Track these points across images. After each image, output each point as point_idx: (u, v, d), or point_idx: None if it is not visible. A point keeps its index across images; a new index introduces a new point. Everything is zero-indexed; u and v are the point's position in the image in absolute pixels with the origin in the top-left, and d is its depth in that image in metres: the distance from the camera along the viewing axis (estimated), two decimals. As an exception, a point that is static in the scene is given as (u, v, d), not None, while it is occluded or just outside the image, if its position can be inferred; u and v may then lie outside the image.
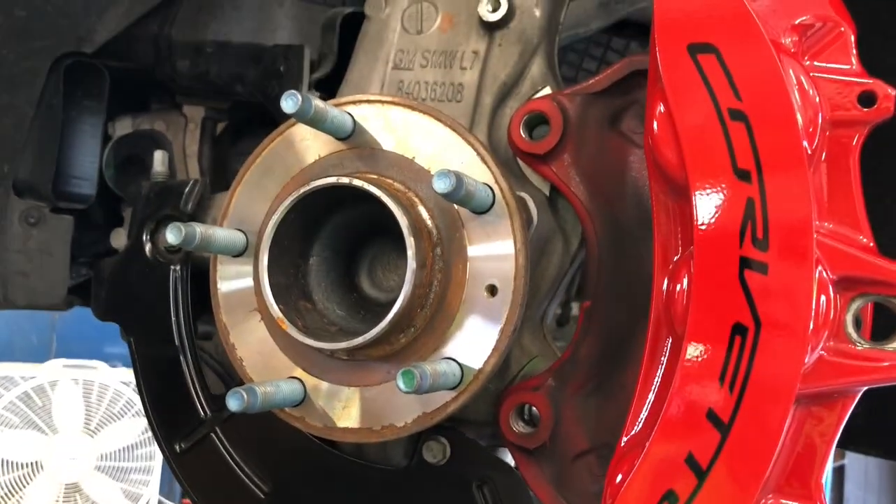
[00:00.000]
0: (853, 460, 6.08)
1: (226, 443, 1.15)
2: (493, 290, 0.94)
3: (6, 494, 4.58)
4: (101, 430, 4.70)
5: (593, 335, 1.02)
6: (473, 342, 0.95)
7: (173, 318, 1.18)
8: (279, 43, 1.42)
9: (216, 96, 1.58)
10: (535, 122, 1.05)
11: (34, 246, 1.45)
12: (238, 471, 1.14)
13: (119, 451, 4.73)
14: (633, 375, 0.92)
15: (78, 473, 4.68)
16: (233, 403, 0.90)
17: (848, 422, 1.71)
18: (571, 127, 1.02)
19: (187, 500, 5.30)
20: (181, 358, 1.17)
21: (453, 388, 0.94)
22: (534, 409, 1.04)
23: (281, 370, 1.01)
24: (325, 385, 1.00)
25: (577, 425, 1.02)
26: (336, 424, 0.99)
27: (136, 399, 4.71)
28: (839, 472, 6.05)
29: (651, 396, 0.81)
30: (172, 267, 1.19)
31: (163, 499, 4.97)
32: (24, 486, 4.62)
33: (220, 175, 1.61)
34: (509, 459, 1.09)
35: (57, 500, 4.67)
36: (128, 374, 4.71)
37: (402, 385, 0.84)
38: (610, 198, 1.02)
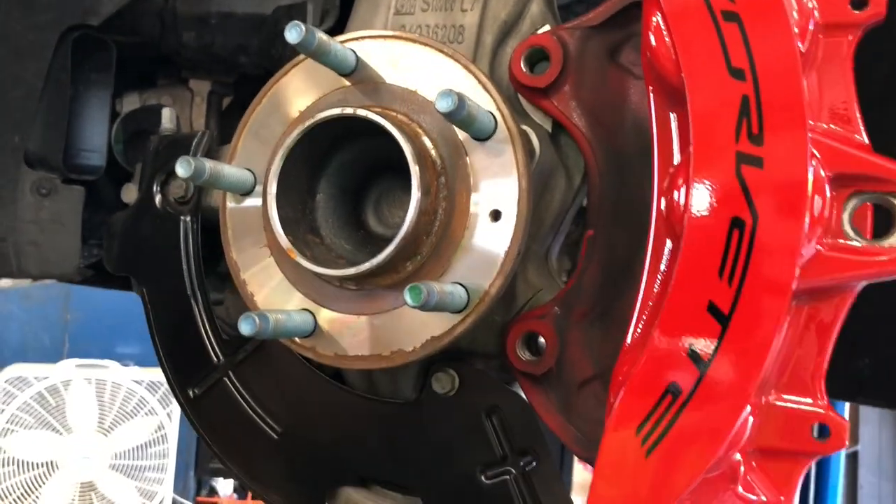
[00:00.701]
0: (867, 446, 6.05)
1: (238, 386, 1.17)
2: (496, 215, 0.96)
3: (23, 494, 4.61)
4: (115, 429, 4.73)
5: (596, 263, 1.04)
6: (479, 266, 0.96)
7: (185, 268, 1.20)
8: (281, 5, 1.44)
9: (221, 69, 1.60)
10: (536, 57, 1.07)
11: (46, 216, 1.46)
12: (251, 413, 1.16)
13: (133, 449, 4.76)
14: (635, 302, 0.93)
15: (93, 472, 4.71)
16: (245, 327, 0.92)
17: (855, 372, 1.72)
18: (571, 60, 1.04)
19: (201, 498, 5.33)
20: (193, 305, 1.20)
21: (460, 312, 0.96)
22: (540, 338, 1.05)
23: (292, 303, 1.03)
24: (335, 315, 1.02)
25: (583, 352, 1.04)
26: (347, 352, 1.01)
27: (149, 397, 4.74)
28: (853, 458, 6.02)
29: (652, 301, 0.82)
30: (183, 217, 1.21)
31: (177, 496, 4.99)
32: (41, 486, 4.65)
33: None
34: (518, 391, 1.10)
35: (73, 500, 4.70)
36: (140, 373, 4.74)
37: (409, 300, 0.86)
38: (610, 129, 1.04)
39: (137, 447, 4.84)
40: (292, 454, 1.14)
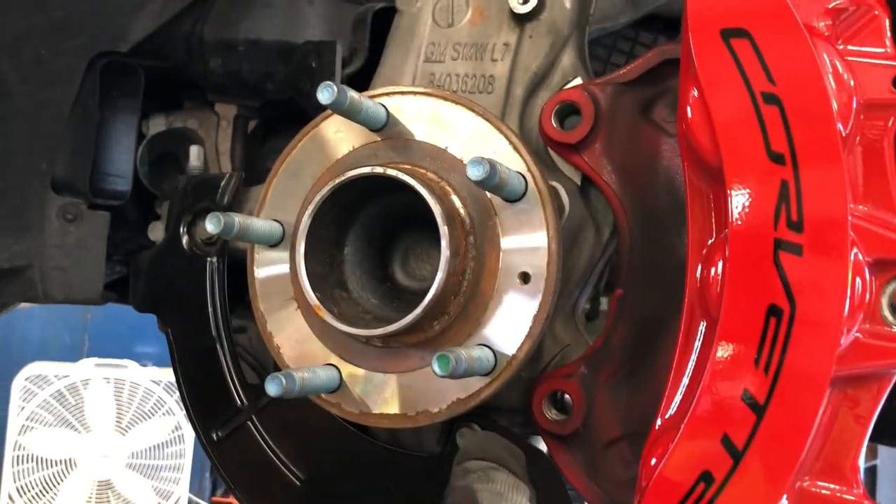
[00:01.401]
0: (886, 460, 5.98)
1: (262, 431, 1.17)
2: (525, 277, 0.95)
3: (41, 491, 4.67)
4: (133, 429, 4.77)
5: (625, 323, 1.03)
6: (507, 329, 0.96)
7: (210, 309, 1.20)
8: (310, 40, 1.44)
9: (248, 94, 1.60)
10: (567, 112, 1.06)
11: (72, 242, 1.47)
12: (274, 458, 1.16)
13: (150, 449, 4.80)
14: (664, 363, 0.92)
15: (110, 471, 4.75)
16: (271, 388, 0.92)
17: (884, 416, 1.70)
18: (603, 116, 1.03)
19: (217, 498, 5.36)
20: (218, 348, 1.20)
21: (487, 374, 0.95)
22: (566, 396, 1.05)
23: (317, 357, 1.03)
24: (360, 372, 1.01)
25: (609, 413, 1.03)
26: (371, 410, 1.01)
27: (167, 398, 4.77)
28: (871, 473, 5.95)
29: (685, 380, 0.81)
30: (209, 259, 1.21)
31: (192, 496, 5.03)
32: (59, 484, 4.70)
33: (252, 172, 1.63)
34: (542, 447, 1.10)
35: (90, 498, 4.75)
36: (158, 374, 4.77)
37: (437, 369, 0.85)
38: (641, 186, 1.03)
39: (154, 447, 4.88)
40: (315, 501, 1.14)
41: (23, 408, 4.65)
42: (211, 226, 0.97)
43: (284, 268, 1.06)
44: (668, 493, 0.76)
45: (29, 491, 4.70)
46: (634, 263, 1.02)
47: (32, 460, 4.70)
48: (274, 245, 1.06)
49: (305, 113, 1.29)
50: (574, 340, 1.09)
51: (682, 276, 0.89)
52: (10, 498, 4.67)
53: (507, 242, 0.97)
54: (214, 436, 1.19)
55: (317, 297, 0.97)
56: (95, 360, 4.84)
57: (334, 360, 1.03)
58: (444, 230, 0.93)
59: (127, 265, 1.68)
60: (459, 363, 0.86)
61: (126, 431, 4.81)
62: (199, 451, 5.00)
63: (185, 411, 1.22)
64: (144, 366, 4.88)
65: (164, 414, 4.85)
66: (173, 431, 4.87)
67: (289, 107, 1.50)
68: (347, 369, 1.02)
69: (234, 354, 1.20)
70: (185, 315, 1.22)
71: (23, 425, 4.66)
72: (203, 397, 1.21)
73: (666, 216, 1.02)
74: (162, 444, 4.86)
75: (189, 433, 4.84)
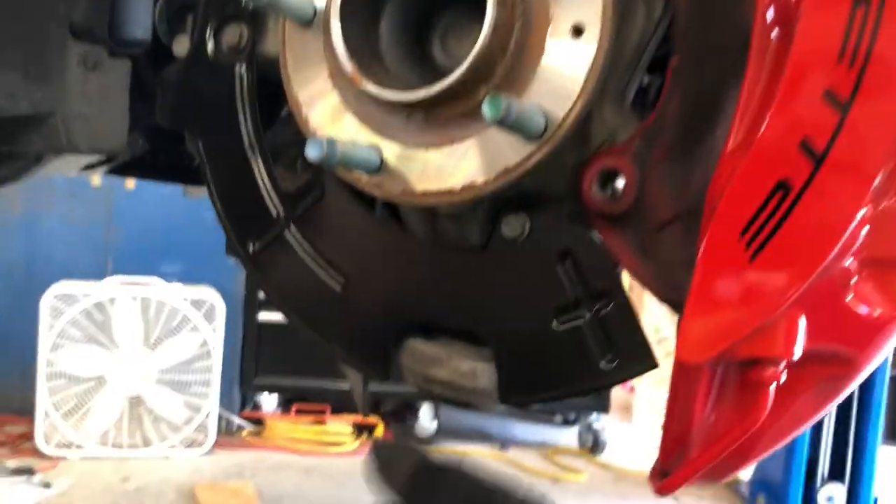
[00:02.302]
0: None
1: (299, 239, 1.13)
2: (578, 30, 0.90)
3: (75, 407, 4.74)
4: (160, 345, 4.80)
5: (681, 94, 0.97)
6: (557, 90, 0.90)
7: (241, 119, 1.16)
8: None
9: None
10: None
11: (93, 90, 1.44)
12: (313, 266, 1.12)
13: (178, 364, 4.84)
14: (722, 137, 0.87)
15: (140, 387, 4.81)
16: (312, 152, 0.88)
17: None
18: None
19: (246, 413, 5.43)
20: (251, 157, 1.15)
21: (536, 140, 0.90)
22: (618, 179, 1.00)
23: (357, 137, 0.99)
24: (402, 149, 0.97)
25: (664, 191, 0.98)
26: (415, 188, 0.96)
27: (193, 314, 4.79)
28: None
29: (756, 101, 0.76)
30: (238, 66, 1.16)
31: (223, 410, 5.10)
32: (91, 399, 4.77)
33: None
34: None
35: (122, 412, 4.82)
36: (184, 291, 4.79)
37: (487, 111, 0.81)
38: (696, -52, 0.96)
39: (183, 363, 4.92)
40: (356, 306, 1.11)
41: (52, 326, 4.68)
42: None
43: (318, 49, 1.01)
44: (740, 209, 0.72)
45: (62, 407, 4.78)
46: (691, 28, 0.96)
47: (64, 377, 4.75)
48: (307, 24, 1.01)
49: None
50: (623, 125, 1.03)
51: (741, 42, 0.83)
52: (47, 414, 4.75)
53: (557, -4, 0.91)
54: (251, 247, 1.16)
55: (354, 67, 0.92)
56: (121, 277, 4.85)
57: (376, 140, 0.98)
58: None
59: (148, 139, 1.65)
60: (511, 108, 0.82)
61: (154, 348, 4.85)
62: (228, 368, 5.04)
63: (220, 225, 1.18)
64: (169, 282, 4.89)
65: (190, 330, 4.88)
66: (200, 347, 4.91)
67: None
68: (388, 147, 0.97)
69: (268, 163, 1.15)
70: (216, 125, 1.18)
71: (54, 342, 4.71)
72: (238, 209, 1.17)
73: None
74: (190, 359, 4.90)
75: (217, 348, 4.88)
